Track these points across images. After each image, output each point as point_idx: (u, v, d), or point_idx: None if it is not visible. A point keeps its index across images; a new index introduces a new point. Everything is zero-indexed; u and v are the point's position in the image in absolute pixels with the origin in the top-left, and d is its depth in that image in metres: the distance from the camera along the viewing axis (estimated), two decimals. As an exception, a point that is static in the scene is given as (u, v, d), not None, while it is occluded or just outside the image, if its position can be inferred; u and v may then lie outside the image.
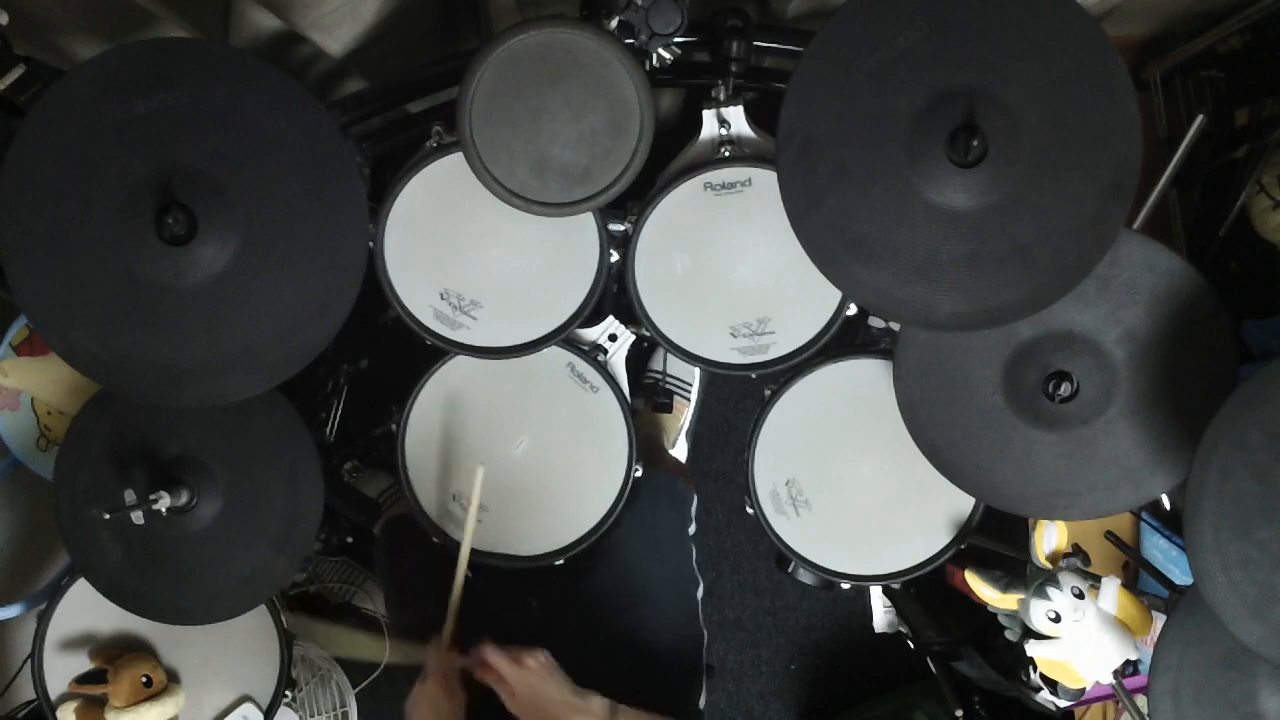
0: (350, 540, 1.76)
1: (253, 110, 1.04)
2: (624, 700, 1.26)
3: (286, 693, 1.42)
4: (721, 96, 1.26)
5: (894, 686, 2.09)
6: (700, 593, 1.48)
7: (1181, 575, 1.41)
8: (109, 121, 1.03)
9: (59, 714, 1.39)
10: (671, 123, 1.90)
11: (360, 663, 1.37)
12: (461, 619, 1.27)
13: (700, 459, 2.12)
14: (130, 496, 1.13)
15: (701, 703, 1.41)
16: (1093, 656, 1.23)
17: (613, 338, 1.39)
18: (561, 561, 1.39)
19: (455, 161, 1.19)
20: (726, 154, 1.24)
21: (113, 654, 1.38)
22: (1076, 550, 1.27)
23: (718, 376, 1.83)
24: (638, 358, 1.43)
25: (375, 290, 1.26)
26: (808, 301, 1.29)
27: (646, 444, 1.89)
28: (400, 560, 1.54)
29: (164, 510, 1.15)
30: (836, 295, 1.28)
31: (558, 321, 1.31)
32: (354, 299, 1.11)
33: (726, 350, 1.33)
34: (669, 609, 1.41)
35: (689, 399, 2.03)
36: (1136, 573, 1.64)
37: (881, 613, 2.07)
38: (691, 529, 1.54)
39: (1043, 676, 1.33)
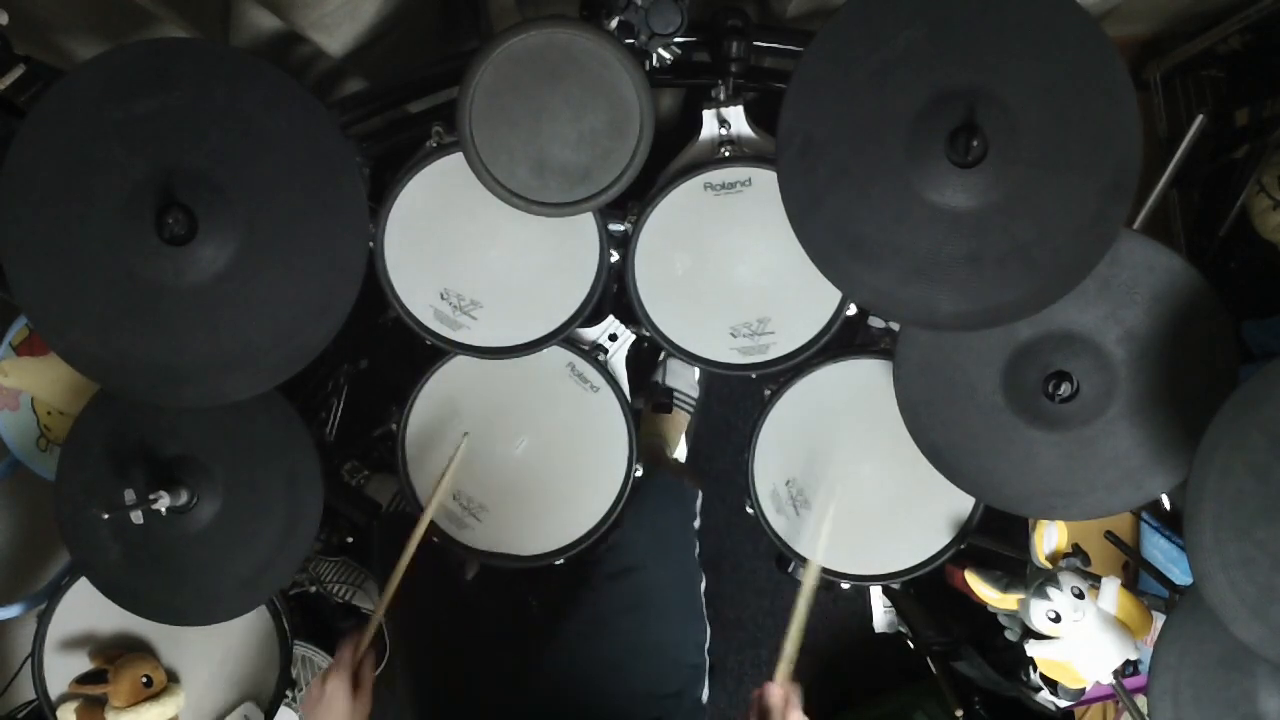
0: (350, 540, 1.76)
1: (253, 110, 1.04)
2: (624, 694, 1.26)
3: (286, 693, 1.42)
4: (721, 96, 1.26)
5: (894, 686, 2.09)
6: (704, 585, 1.48)
7: (1181, 575, 1.41)
8: (109, 121, 1.03)
9: (59, 714, 1.39)
10: (671, 123, 1.90)
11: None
12: (394, 608, 1.23)
13: (700, 459, 2.11)
14: (129, 496, 1.13)
15: (704, 696, 1.42)
16: (1093, 656, 1.23)
17: (613, 337, 1.39)
18: (561, 561, 1.39)
19: (455, 161, 1.19)
20: (726, 154, 1.24)
21: (113, 654, 1.38)
22: (1076, 550, 1.27)
23: (718, 376, 1.83)
24: (638, 359, 1.42)
25: (375, 290, 1.26)
26: (808, 301, 1.29)
27: (650, 451, 1.89)
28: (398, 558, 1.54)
29: (163, 510, 1.15)
30: (836, 295, 1.28)
31: (558, 321, 1.31)
32: (354, 299, 1.11)
33: (726, 350, 1.33)
34: (675, 609, 1.42)
35: (688, 411, 2.03)
36: (1136, 573, 1.64)
37: (881, 613, 2.07)
38: (696, 523, 1.55)
39: (1043, 676, 1.33)
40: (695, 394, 2.03)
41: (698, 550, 1.52)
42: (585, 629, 1.35)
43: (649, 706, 1.31)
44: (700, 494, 1.59)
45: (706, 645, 1.44)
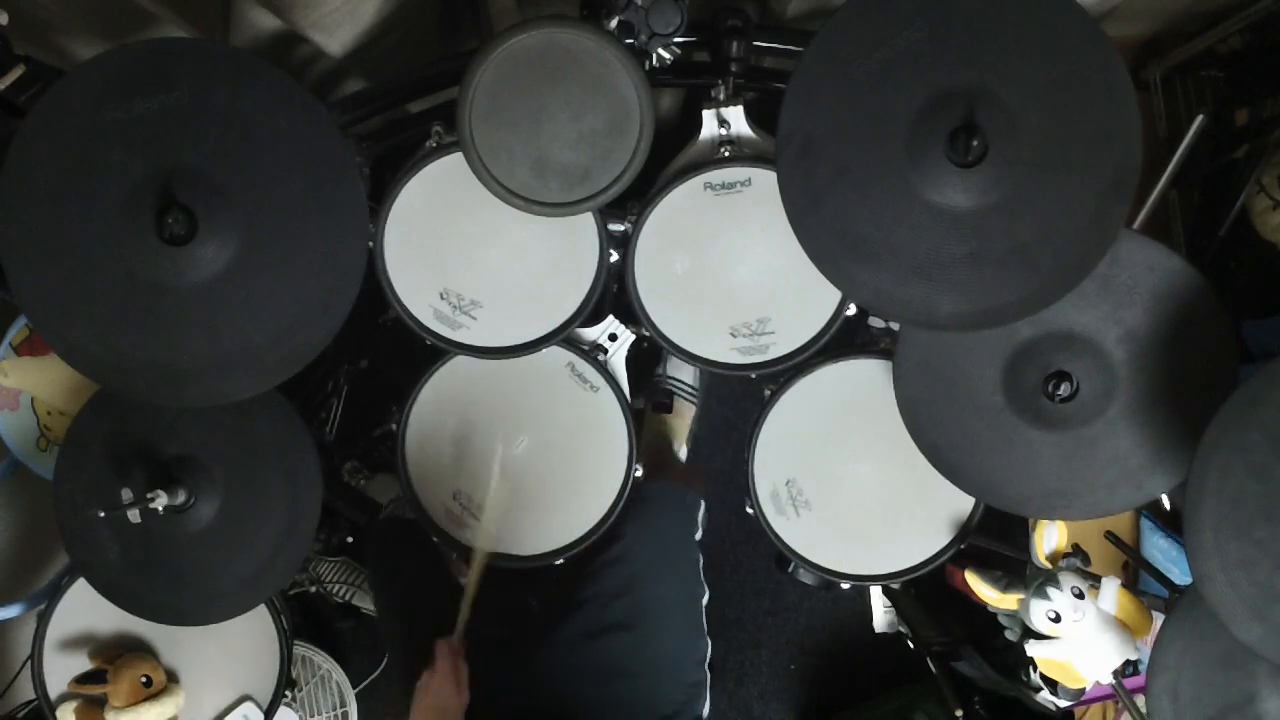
0: (350, 540, 1.76)
1: (253, 110, 1.04)
2: (614, 704, 1.25)
3: (286, 693, 1.42)
4: (721, 96, 1.26)
5: (894, 686, 2.09)
6: (706, 600, 1.47)
7: (1181, 575, 1.41)
8: (109, 121, 1.03)
9: (59, 714, 1.39)
10: (671, 123, 1.90)
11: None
12: (476, 612, 1.26)
13: (700, 459, 2.11)
14: (127, 495, 1.13)
15: (705, 711, 1.41)
16: (1093, 656, 1.23)
17: (613, 337, 1.39)
18: (561, 561, 1.39)
19: (455, 161, 1.19)
20: (726, 154, 1.24)
21: (112, 654, 1.38)
22: (1076, 550, 1.27)
23: (718, 376, 1.83)
24: (638, 358, 1.42)
25: (375, 290, 1.26)
26: (808, 301, 1.29)
27: (656, 452, 1.88)
28: (392, 562, 1.53)
29: (161, 509, 1.15)
30: (836, 295, 1.28)
31: (558, 321, 1.31)
32: (354, 299, 1.11)
33: (726, 350, 1.33)
34: (675, 625, 1.41)
35: (693, 402, 2.03)
36: (1136, 573, 1.64)
37: (881, 613, 2.07)
38: (698, 535, 1.54)
39: (1043, 676, 1.33)
40: (696, 385, 2.03)
41: (701, 563, 1.50)
42: (582, 641, 1.35)
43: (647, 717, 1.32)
44: (704, 504, 1.58)
45: (707, 660, 1.44)
